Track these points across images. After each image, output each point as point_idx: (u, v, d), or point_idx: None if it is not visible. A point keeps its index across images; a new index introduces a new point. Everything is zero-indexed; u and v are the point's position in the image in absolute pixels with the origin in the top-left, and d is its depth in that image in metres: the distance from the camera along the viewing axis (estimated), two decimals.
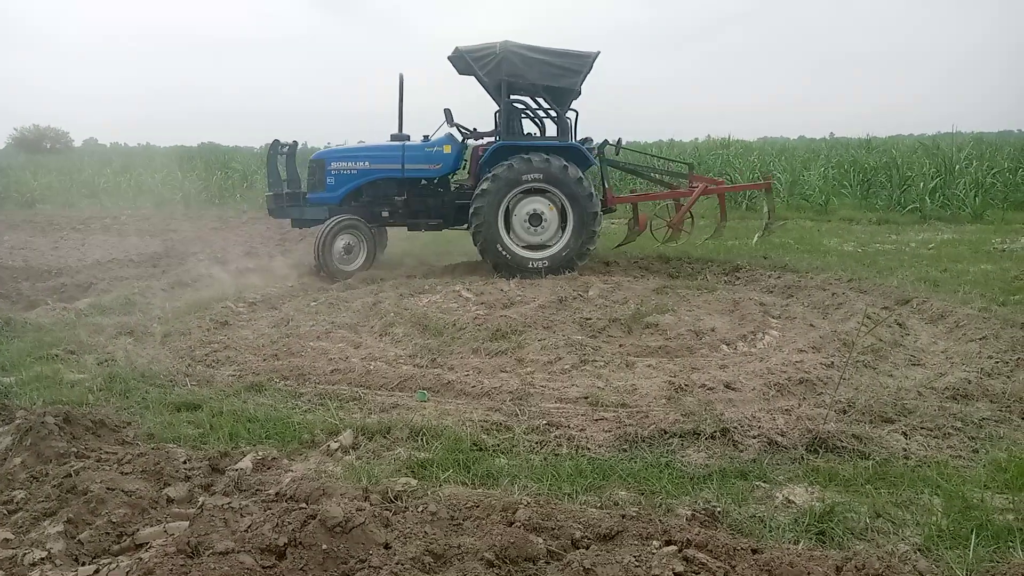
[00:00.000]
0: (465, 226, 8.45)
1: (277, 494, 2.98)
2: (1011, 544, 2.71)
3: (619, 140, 9.59)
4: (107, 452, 3.49)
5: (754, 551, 2.57)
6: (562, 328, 5.82)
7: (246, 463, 3.40)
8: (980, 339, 5.33)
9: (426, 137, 8.87)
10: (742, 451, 3.58)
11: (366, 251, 8.59)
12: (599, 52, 8.39)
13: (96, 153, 42.05)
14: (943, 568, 2.58)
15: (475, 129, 8.97)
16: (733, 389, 4.45)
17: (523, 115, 9.07)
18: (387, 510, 2.83)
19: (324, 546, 2.43)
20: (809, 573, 2.40)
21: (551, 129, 9.08)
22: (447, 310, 6.53)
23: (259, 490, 3.14)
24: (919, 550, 2.70)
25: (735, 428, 3.73)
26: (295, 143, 9.48)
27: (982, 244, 10.07)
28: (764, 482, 3.30)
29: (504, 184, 8.09)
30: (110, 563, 2.52)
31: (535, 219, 8.25)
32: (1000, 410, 4.06)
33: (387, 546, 2.52)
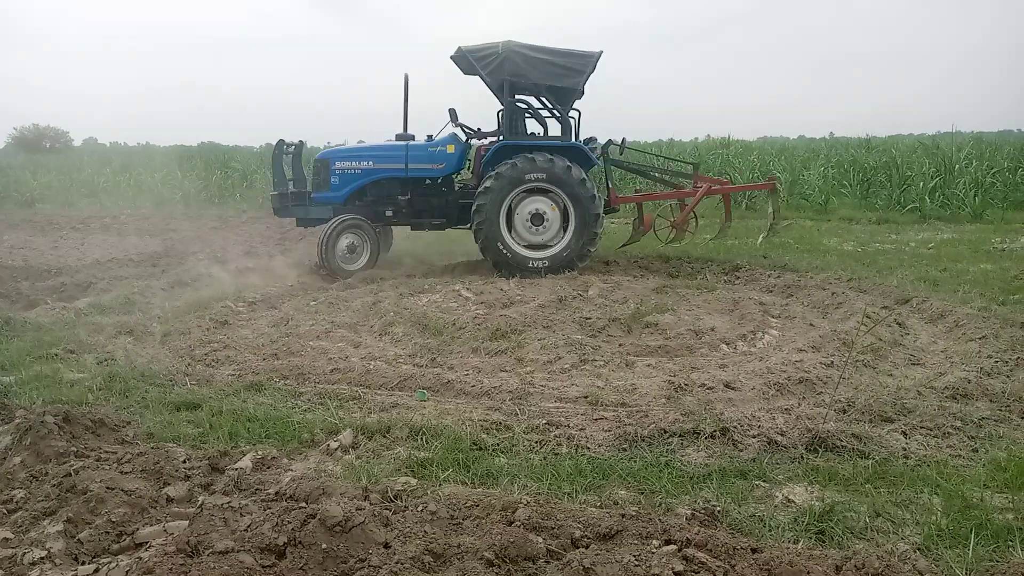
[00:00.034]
0: (468, 225, 8.46)
1: (277, 493, 2.98)
2: (1010, 543, 2.71)
3: (623, 139, 9.60)
4: (107, 451, 3.48)
5: (754, 550, 2.57)
6: (562, 327, 5.82)
7: (246, 462, 3.40)
8: (980, 338, 5.33)
9: (430, 137, 8.88)
10: (742, 450, 3.58)
11: (370, 251, 8.61)
12: (602, 52, 8.39)
13: (96, 152, 42.03)
14: (943, 567, 2.58)
15: (479, 129, 8.97)
16: (733, 388, 4.45)
17: (526, 115, 9.07)
18: (387, 509, 2.83)
19: (324, 545, 2.43)
20: (809, 572, 2.40)
21: (555, 129, 9.07)
22: (447, 309, 6.53)
23: (259, 489, 3.14)
24: (919, 549, 2.71)
25: (735, 427, 3.73)
26: (301, 143, 9.52)
27: (982, 244, 10.08)
28: (764, 481, 3.30)
29: (507, 182, 8.09)
30: (110, 562, 2.52)
31: (537, 219, 8.25)
32: (1000, 409, 4.06)
33: (387, 545, 2.52)
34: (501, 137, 8.64)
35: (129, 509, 2.85)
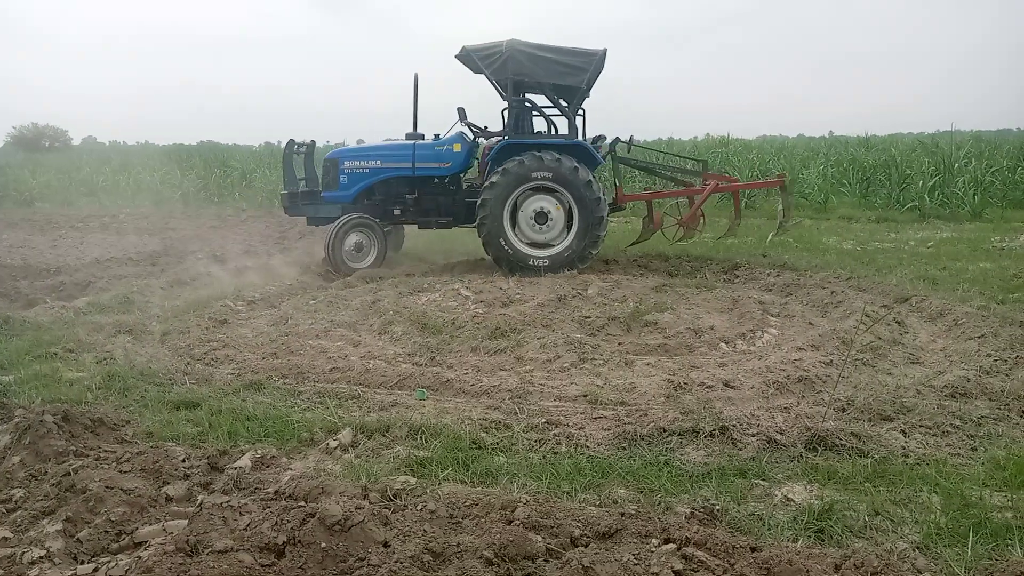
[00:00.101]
0: (474, 223, 8.48)
1: (276, 492, 2.99)
2: (1009, 542, 2.72)
3: (631, 137, 9.59)
4: (106, 450, 3.48)
5: (753, 549, 2.57)
6: (561, 326, 5.82)
7: (245, 461, 3.40)
8: (979, 337, 5.33)
9: (437, 136, 8.91)
10: (741, 449, 3.58)
11: (377, 249, 8.67)
12: (606, 50, 8.39)
13: (95, 151, 42.00)
14: (942, 566, 2.58)
15: (486, 127, 8.98)
16: (732, 387, 4.45)
17: (533, 113, 9.07)
18: (386, 508, 2.83)
19: (323, 544, 2.43)
20: (808, 571, 2.40)
21: (563, 128, 9.07)
22: (446, 308, 6.53)
23: (258, 488, 3.14)
24: (918, 548, 2.71)
25: (734, 426, 3.73)
26: (313, 142, 9.61)
27: (981, 242, 10.08)
28: (763, 480, 3.30)
29: (513, 179, 8.11)
30: (109, 562, 2.52)
31: (541, 217, 8.26)
32: (999, 408, 4.07)
33: (386, 544, 2.52)
34: (506, 136, 8.65)
35: (128, 508, 2.85)
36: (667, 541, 2.62)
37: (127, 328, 5.91)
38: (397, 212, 8.90)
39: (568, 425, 3.89)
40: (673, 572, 2.39)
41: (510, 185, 8.13)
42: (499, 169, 8.15)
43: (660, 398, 4.27)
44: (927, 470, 3.34)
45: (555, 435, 3.78)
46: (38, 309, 6.72)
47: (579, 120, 8.86)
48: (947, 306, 6.19)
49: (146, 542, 2.64)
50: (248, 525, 2.54)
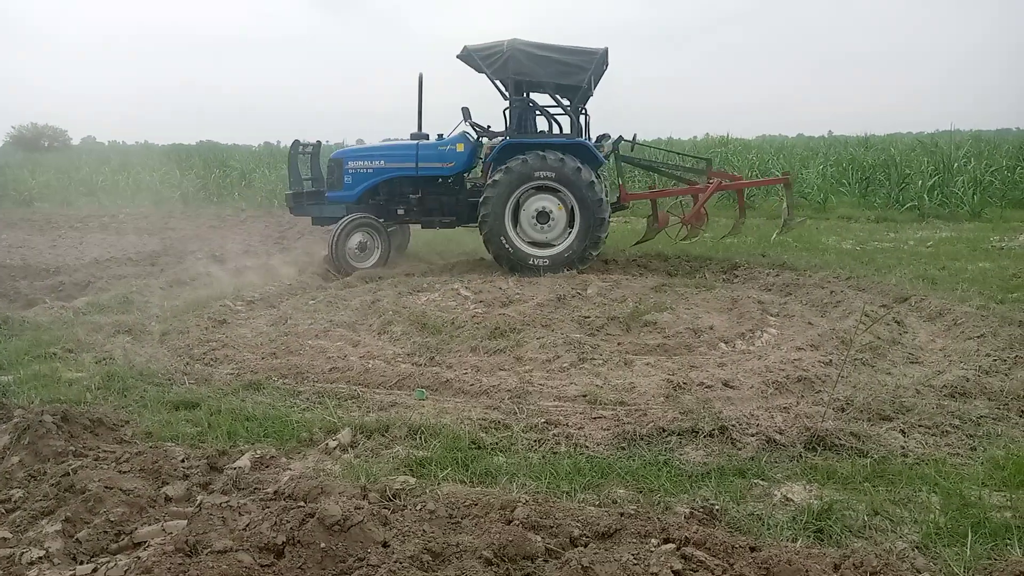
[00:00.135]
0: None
1: (275, 492, 2.99)
2: (1008, 541, 2.72)
3: (634, 136, 9.59)
4: (105, 451, 3.48)
5: (752, 549, 2.57)
6: (561, 326, 5.82)
7: (244, 462, 3.40)
8: (978, 337, 5.33)
9: (440, 136, 8.93)
10: (740, 449, 3.58)
11: (380, 249, 8.71)
12: (606, 48, 8.39)
13: (94, 151, 41.98)
14: (941, 565, 2.58)
15: (489, 127, 8.98)
16: (731, 387, 4.45)
17: (537, 113, 9.08)
18: (385, 508, 2.83)
19: (323, 544, 2.43)
20: (807, 571, 2.40)
21: (566, 128, 9.07)
22: (445, 308, 6.53)
23: (257, 489, 3.13)
24: (917, 548, 2.71)
25: (733, 426, 3.73)
26: (319, 143, 9.70)
27: (980, 242, 10.08)
28: (762, 480, 3.30)
29: (516, 177, 8.13)
30: (108, 562, 2.52)
31: (543, 216, 8.27)
32: (998, 408, 4.07)
33: (385, 544, 2.52)
34: (507, 136, 8.66)
35: (127, 508, 2.85)
36: (666, 541, 2.62)
37: (126, 328, 5.90)
38: (401, 212, 8.94)
39: (567, 425, 3.89)
40: (672, 572, 2.39)
41: (513, 183, 8.14)
42: (502, 167, 8.17)
43: (659, 398, 4.27)
44: (926, 470, 3.34)
45: (554, 435, 3.78)
46: (37, 309, 6.72)
47: (583, 119, 8.89)
48: (946, 306, 6.19)
49: (145, 542, 2.64)
50: (247, 525, 2.54)
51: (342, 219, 8.58)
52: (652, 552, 2.51)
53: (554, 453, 3.61)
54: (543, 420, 3.95)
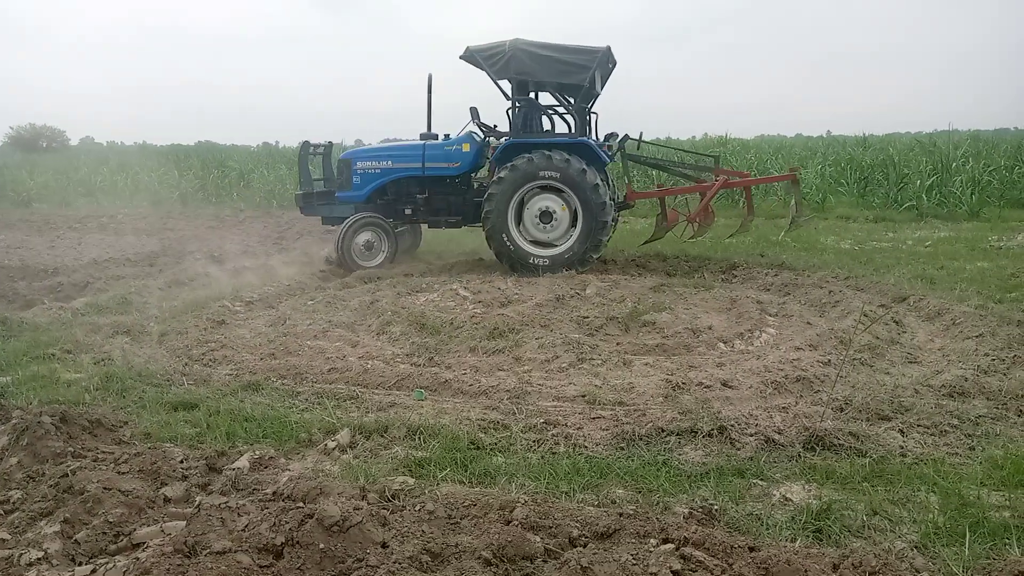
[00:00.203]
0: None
1: (274, 493, 2.98)
2: (1007, 541, 2.72)
3: (640, 134, 9.59)
4: (104, 452, 3.48)
5: (751, 549, 2.57)
6: (559, 326, 5.82)
7: (243, 462, 3.40)
8: (977, 336, 5.34)
9: (447, 136, 8.97)
10: (739, 449, 3.58)
11: (387, 248, 8.79)
12: (608, 47, 8.40)
13: (92, 152, 41.95)
14: (939, 565, 2.59)
15: (495, 127, 9.00)
16: (730, 387, 4.45)
17: (544, 113, 9.09)
18: (384, 509, 2.83)
19: (321, 545, 2.43)
20: (806, 571, 2.40)
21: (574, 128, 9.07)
22: (444, 309, 6.53)
23: (256, 489, 3.13)
24: (916, 547, 2.71)
25: (732, 426, 3.73)
26: (330, 143, 9.86)
27: (979, 241, 10.09)
28: (761, 480, 3.30)
29: (521, 176, 8.15)
30: (107, 563, 2.51)
31: (546, 216, 8.29)
32: (996, 407, 4.07)
33: (384, 545, 2.52)
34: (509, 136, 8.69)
35: (126, 509, 2.84)
36: (665, 541, 2.62)
37: (125, 329, 5.90)
38: (408, 211, 9.03)
39: (566, 425, 3.89)
40: (671, 572, 2.39)
41: (517, 182, 8.17)
42: (508, 165, 8.20)
43: (658, 398, 4.28)
44: (925, 469, 3.34)
45: (553, 435, 3.78)
46: (36, 310, 6.72)
47: (591, 119, 8.93)
48: (945, 305, 6.20)
49: (144, 543, 2.63)
50: (246, 526, 2.54)
51: (348, 219, 8.67)
52: (651, 552, 2.51)
53: (553, 453, 3.61)
54: (542, 420, 3.95)
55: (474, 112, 8.71)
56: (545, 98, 9.42)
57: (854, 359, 4.88)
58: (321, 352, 5.29)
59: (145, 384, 4.66)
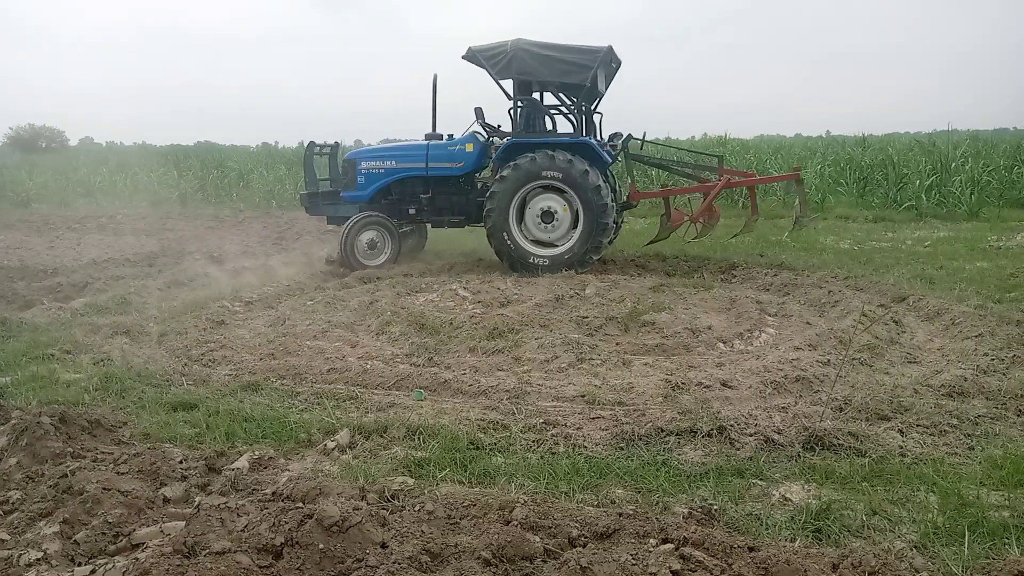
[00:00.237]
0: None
1: (274, 494, 2.98)
2: (1006, 541, 2.72)
3: (644, 134, 9.59)
4: (103, 452, 3.48)
5: (751, 549, 2.57)
6: (559, 326, 5.82)
7: (243, 463, 3.40)
8: (976, 336, 5.34)
9: (451, 136, 8.99)
10: (739, 449, 3.58)
11: (390, 247, 8.83)
12: (610, 46, 8.40)
13: (92, 152, 41.94)
14: (939, 565, 2.59)
15: (499, 127, 9.01)
16: (730, 387, 4.46)
17: (546, 112, 9.09)
18: (384, 509, 2.83)
19: (321, 545, 2.43)
20: (806, 571, 2.40)
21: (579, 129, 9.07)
22: (444, 309, 6.53)
23: (256, 490, 3.13)
24: (915, 547, 2.71)
25: (732, 426, 3.73)
26: (337, 144, 9.95)
27: (978, 241, 10.09)
28: (761, 480, 3.30)
29: (524, 175, 8.17)
30: (106, 563, 2.51)
31: (547, 216, 8.30)
32: (996, 407, 4.07)
33: (384, 545, 2.52)
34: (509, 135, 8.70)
35: (126, 510, 2.84)
36: (665, 541, 2.62)
37: (124, 329, 5.90)
38: (412, 211, 9.07)
39: (566, 425, 3.89)
40: (671, 572, 2.39)
41: (520, 181, 8.18)
42: (511, 164, 8.22)
43: (658, 398, 4.28)
44: (924, 469, 3.34)
45: (553, 435, 3.78)
46: (35, 310, 6.71)
47: (597, 119, 8.99)
48: (944, 305, 6.20)
49: (143, 544, 2.63)
50: (246, 526, 2.54)
51: (351, 218, 8.72)
52: (651, 552, 2.51)
53: (552, 453, 3.61)
54: (541, 420, 3.95)
55: (479, 112, 8.74)
56: (549, 98, 9.44)
57: (853, 359, 4.88)
58: (320, 352, 5.29)
59: (144, 384, 4.65)
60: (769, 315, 6.27)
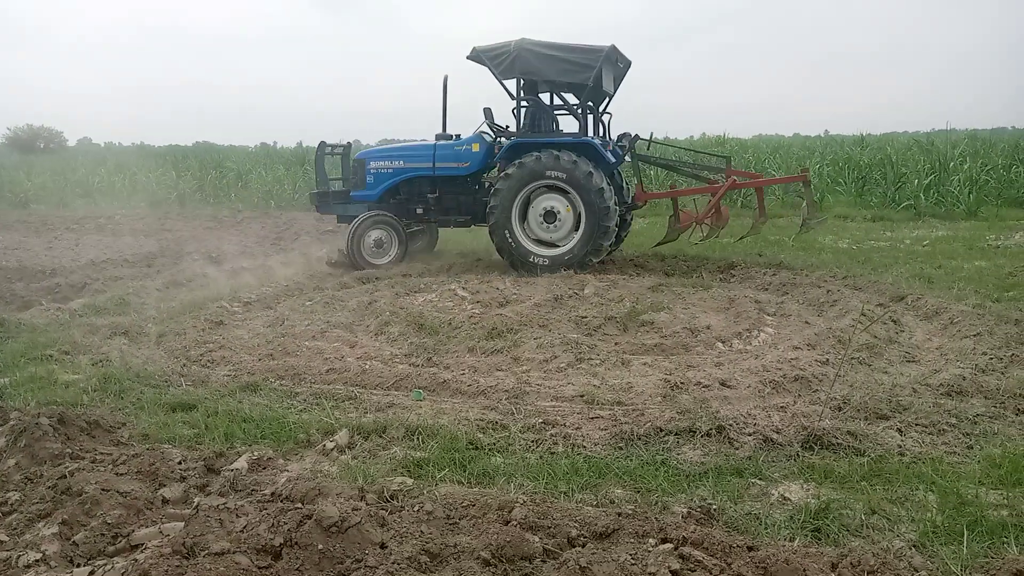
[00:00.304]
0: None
1: (273, 494, 2.98)
2: (1005, 540, 2.72)
3: (651, 134, 9.60)
4: (102, 453, 3.48)
5: (750, 548, 2.57)
6: (558, 326, 5.82)
7: (241, 463, 3.39)
8: (974, 335, 5.34)
9: (458, 136, 9.02)
10: (738, 448, 3.58)
11: (397, 246, 8.89)
12: (613, 46, 8.40)
13: (90, 153, 41.92)
14: (938, 564, 2.59)
15: (507, 127, 9.01)
16: (728, 387, 4.46)
17: (554, 113, 9.10)
18: (383, 509, 2.83)
19: (320, 546, 2.42)
20: (805, 570, 2.41)
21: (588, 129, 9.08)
22: (443, 309, 6.53)
23: (255, 490, 3.13)
24: (914, 546, 2.71)
25: (731, 425, 3.73)
26: (349, 144, 10.02)
27: (976, 241, 10.11)
28: (760, 479, 3.30)
29: (528, 174, 8.18)
30: (105, 564, 2.51)
31: (550, 216, 8.32)
32: (994, 406, 4.08)
33: (383, 546, 2.52)
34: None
35: (124, 511, 2.84)
36: (664, 541, 2.62)
37: (123, 330, 5.89)
38: (420, 211, 9.12)
39: (565, 425, 3.89)
40: (670, 572, 2.39)
41: (524, 179, 8.20)
42: (516, 162, 8.25)
43: (657, 398, 4.28)
44: (923, 468, 3.35)
45: (552, 435, 3.78)
46: (34, 311, 6.71)
47: (606, 119, 9.05)
48: (943, 304, 6.21)
49: (142, 544, 2.63)
50: (245, 527, 2.54)
51: (358, 217, 8.78)
52: (650, 552, 2.51)
53: (552, 453, 3.61)
54: (540, 420, 3.95)
55: (488, 113, 8.78)
56: (558, 99, 9.45)
57: (852, 358, 4.88)
58: (319, 353, 5.29)
59: (143, 385, 4.65)
60: (768, 315, 6.27)
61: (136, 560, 2.44)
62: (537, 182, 8.20)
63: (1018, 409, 4.05)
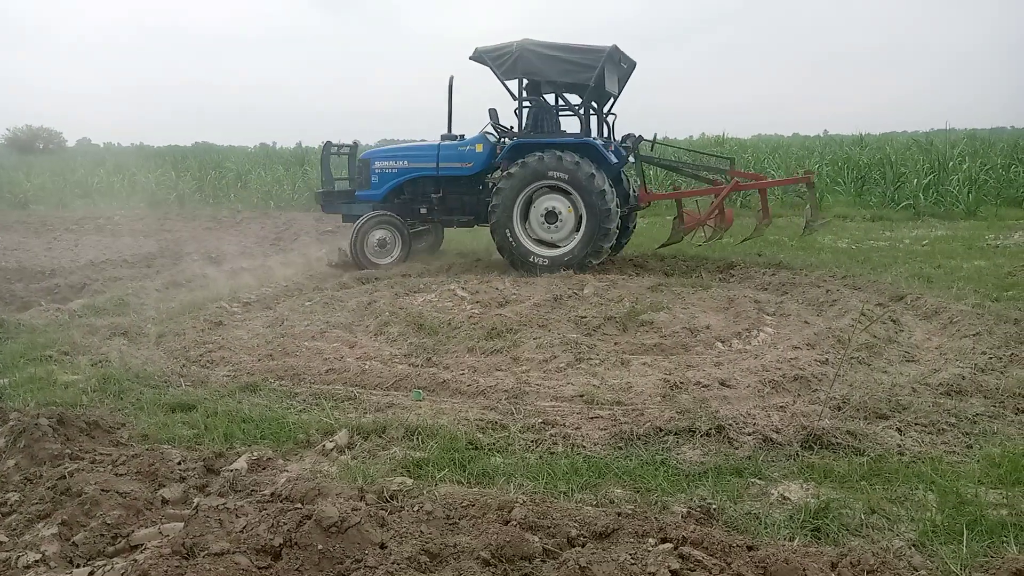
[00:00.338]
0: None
1: (272, 494, 2.98)
2: (1005, 539, 2.72)
3: (655, 135, 9.61)
4: (101, 453, 3.47)
5: (750, 548, 2.57)
6: (557, 326, 5.82)
7: (241, 464, 3.39)
8: (974, 335, 5.35)
9: (462, 136, 9.04)
10: (737, 448, 3.58)
11: (400, 246, 8.93)
12: (615, 46, 8.41)
13: (89, 153, 41.90)
14: (937, 563, 2.59)
15: (511, 128, 9.01)
16: (728, 386, 4.46)
17: (557, 113, 9.11)
18: (383, 510, 2.83)
19: (320, 546, 2.42)
20: (804, 570, 2.41)
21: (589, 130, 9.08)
22: (442, 309, 6.52)
23: (254, 491, 3.13)
24: (914, 546, 2.71)
25: (730, 425, 3.73)
26: (355, 144, 10.17)
27: (975, 240, 10.11)
28: (759, 479, 3.30)
29: (531, 174, 8.20)
30: (105, 565, 2.51)
31: (551, 216, 8.33)
32: (994, 406, 4.08)
33: (383, 546, 2.52)
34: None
35: (124, 511, 2.84)
36: (664, 540, 2.62)
37: (122, 330, 5.89)
38: (423, 211, 9.15)
39: (564, 425, 3.89)
40: (670, 571, 2.39)
41: (527, 179, 8.22)
42: (519, 162, 8.26)
43: (656, 397, 4.28)
44: (923, 468, 3.35)
45: (551, 435, 3.78)
46: (33, 312, 6.70)
47: (611, 120, 9.10)
48: (942, 304, 6.21)
49: (142, 545, 2.63)
50: (244, 527, 2.54)
51: (362, 216, 8.81)
52: (649, 552, 2.52)
53: (551, 453, 3.61)
54: (540, 420, 3.95)
55: (493, 113, 8.80)
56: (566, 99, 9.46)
57: (852, 358, 4.88)
58: (319, 353, 5.29)
59: (143, 385, 4.65)
60: (767, 314, 6.27)
61: (136, 560, 2.44)
62: (539, 182, 8.21)
63: (1017, 408, 4.05)
